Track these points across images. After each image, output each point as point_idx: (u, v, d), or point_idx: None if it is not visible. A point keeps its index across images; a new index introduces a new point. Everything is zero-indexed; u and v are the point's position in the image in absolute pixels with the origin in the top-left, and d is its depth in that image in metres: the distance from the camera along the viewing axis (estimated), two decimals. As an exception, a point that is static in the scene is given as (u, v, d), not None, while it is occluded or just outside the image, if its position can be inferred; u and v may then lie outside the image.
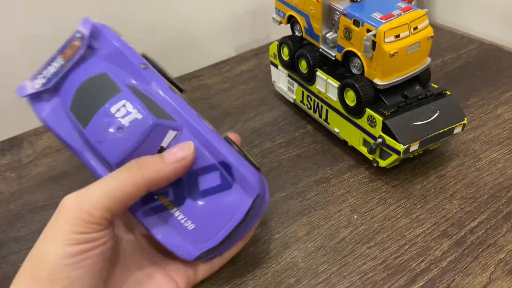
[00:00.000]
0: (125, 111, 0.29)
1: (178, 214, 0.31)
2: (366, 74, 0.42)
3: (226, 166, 0.31)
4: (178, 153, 0.30)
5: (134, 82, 0.32)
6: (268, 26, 0.70)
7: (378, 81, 0.41)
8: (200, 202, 0.31)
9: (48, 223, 0.30)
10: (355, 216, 0.41)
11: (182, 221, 0.31)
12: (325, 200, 0.43)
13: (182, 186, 0.31)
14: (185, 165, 0.31)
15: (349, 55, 0.43)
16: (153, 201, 0.32)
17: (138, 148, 0.30)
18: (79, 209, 0.28)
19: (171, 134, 0.31)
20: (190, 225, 0.31)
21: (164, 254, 0.35)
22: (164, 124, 0.30)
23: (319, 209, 0.42)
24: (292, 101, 0.53)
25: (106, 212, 0.29)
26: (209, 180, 0.31)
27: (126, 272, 0.33)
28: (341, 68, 0.46)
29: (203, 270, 0.35)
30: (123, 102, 0.30)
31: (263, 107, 0.56)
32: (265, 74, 0.62)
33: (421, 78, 0.44)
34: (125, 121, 0.29)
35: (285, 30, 0.58)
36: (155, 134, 0.30)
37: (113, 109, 0.29)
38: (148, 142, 0.30)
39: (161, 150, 0.31)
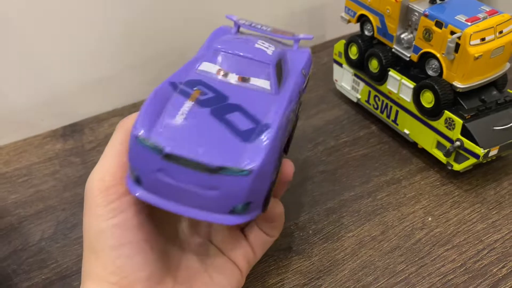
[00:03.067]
0: None
1: (187, 106, 0.29)
2: (444, 76, 0.42)
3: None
4: None
5: None
6: (324, 25, 0.70)
7: (458, 84, 0.41)
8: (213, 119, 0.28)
9: (84, 206, 0.29)
10: (430, 219, 0.40)
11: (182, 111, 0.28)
12: (397, 201, 0.42)
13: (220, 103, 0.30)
14: None
15: (426, 57, 0.43)
16: None
17: None
18: (97, 181, 0.28)
19: None
20: (180, 118, 0.28)
21: (219, 236, 0.34)
22: None
23: (391, 210, 0.42)
24: (355, 100, 0.53)
25: (120, 168, 0.28)
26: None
27: (184, 253, 0.33)
28: (414, 69, 0.46)
29: (259, 248, 0.34)
30: None
31: (323, 105, 0.56)
32: (322, 73, 0.62)
33: (498, 83, 0.44)
34: None
35: (341, 30, 0.58)
36: None
37: None
38: None
39: None
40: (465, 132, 0.41)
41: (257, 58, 0.31)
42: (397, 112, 0.47)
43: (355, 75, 0.52)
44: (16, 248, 0.40)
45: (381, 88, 0.48)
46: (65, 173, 0.48)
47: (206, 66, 0.31)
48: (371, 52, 0.48)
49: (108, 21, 0.55)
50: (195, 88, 0.29)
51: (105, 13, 0.55)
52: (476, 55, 0.39)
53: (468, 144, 0.40)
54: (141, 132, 0.26)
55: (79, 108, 0.57)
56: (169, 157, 0.25)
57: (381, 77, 0.48)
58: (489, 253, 0.37)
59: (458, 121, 0.41)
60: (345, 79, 0.54)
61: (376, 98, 0.50)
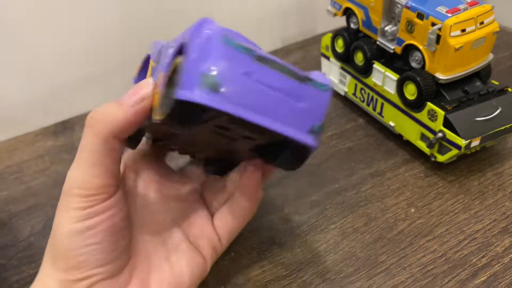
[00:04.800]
0: None
1: None
2: (427, 68, 0.42)
3: None
4: (136, 95, 0.28)
5: None
6: (314, 18, 0.70)
7: (440, 75, 0.41)
8: None
9: (60, 200, 0.30)
10: (412, 210, 0.41)
11: None
12: (381, 193, 0.43)
13: None
14: (146, 106, 0.28)
15: (409, 49, 0.43)
16: None
17: None
18: (72, 186, 0.28)
19: None
20: None
21: (188, 219, 0.34)
22: None
23: (375, 202, 0.42)
24: (343, 93, 0.53)
25: (99, 178, 0.28)
26: None
27: (147, 237, 0.33)
28: (398, 61, 0.46)
29: (226, 236, 0.34)
30: None
31: (312, 99, 0.56)
32: (312, 67, 0.62)
33: (482, 74, 0.44)
34: None
35: (332, 23, 0.58)
36: None
37: None
38: None
39: None
40: (447, 123, 0.41)
41: None
42: (382, 104, 0.47)
43: (342, 68, 0.52)
44: (6, 243, 0.41)
45: (366, 81, 0.49)
46: (55, 169, 0.49)
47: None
48: (356, 45, 0.48)
49: (100, 18, 0.56)
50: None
51: (97, 11, 0.55)
52: (457, 46, 0.39)
53: (450, 135, 0.41)
54: (227, 33, 0.23)
55: (71, 105, 0.57)
56: (262, 59, 0.23)
57: (366, 70, 0.48)
58: (470, 243, 0.38)
59: (440, 113, 0.41)
60: (332, 73, 0.54)
61: (362, 91, 0.50)
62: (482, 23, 0.40)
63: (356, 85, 0.50)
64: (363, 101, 0.50)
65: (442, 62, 0.40)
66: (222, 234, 0.34)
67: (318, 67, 0.58)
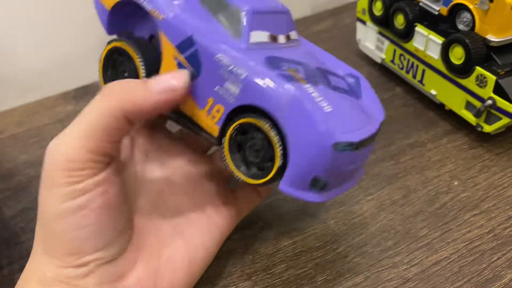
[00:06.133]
0: None
1: (312, 90, 0.25)
2: (477, 29, 0.38)
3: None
4: (168, 82, 0.25)
5: None
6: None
7: (492, 37, 0.37)
8: (334, 92, 0.27)
9: (41, 178, 0.26)
10: (456, 183, 0.38)
11: (318, 99, 0.25)
12: (421, 165, 0.40)
13: (313, 71, 0.27)
14: (173, 97, 0.26)
15: (457, 9, 0.40)
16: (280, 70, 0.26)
17: None
18: (61, 158, 0.24)
19: None
20: (326, 107, 0.25)
21: (201, 188, 0.32)
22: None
23: (415, 173, 0.39)
24: (379, 61, 0.50)
25: (89, 153, 0.24)
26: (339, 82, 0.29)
27: (155, 213, 0.30)
28: (443, 24, 0.43)
29: (245, 207, 0.33)
30: None
31: (345, 67, 0.53)
32: (344, 34, 0.59)
33: (537, 38, 0.40)
34: None
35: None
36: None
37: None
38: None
39: None
40: (498, 90, 0.37)
41: (278, 9, 0.28)
42: (423, 71, 0.44)
43: (380, 33, 0.48)
44: (25, 206, 0.39)
45: (407, 46, 0.45)
46: (76, 133, 0.47)
47: (257, 36, 0.27)
48: (396, 7, 0.45)
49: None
50: (285, 68, 0.26)
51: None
52: (514, 3, 0.36)
53: (501, 102, 0.37)
54: (336, 137, 0.24)
55: (92, 70, 0.55)
56: (361, 144, 0.25)
57: (407, 34, 0.44)
58: (521, 220, 0.35)
59: (491, 78, 0.37)
60: (369, 38, 0.51)
61: (402, 57, 0.46)
62: (542, -22, 0.36)
63: (395, 51, 0.47)
64: (402, 69, 0.47)
65: (495, 22, 0.37)
66: (244, 206, 0.33)
67: (349, 36, 0.55)
